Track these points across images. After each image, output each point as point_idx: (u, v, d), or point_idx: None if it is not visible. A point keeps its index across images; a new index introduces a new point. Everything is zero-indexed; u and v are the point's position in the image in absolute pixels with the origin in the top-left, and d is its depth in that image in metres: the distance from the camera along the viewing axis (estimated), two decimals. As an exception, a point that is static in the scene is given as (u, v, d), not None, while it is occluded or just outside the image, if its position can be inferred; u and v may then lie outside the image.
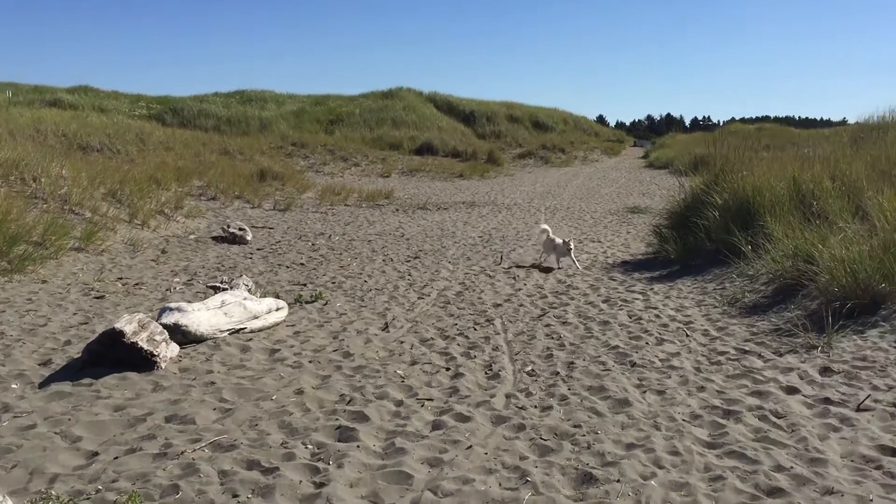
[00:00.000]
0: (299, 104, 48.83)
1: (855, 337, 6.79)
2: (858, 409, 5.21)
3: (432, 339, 7.49)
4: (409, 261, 12.42)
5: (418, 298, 9.46)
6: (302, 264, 12.01)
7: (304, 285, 10.17)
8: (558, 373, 6.32)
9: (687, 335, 7.46)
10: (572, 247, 11.82)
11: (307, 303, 8.95)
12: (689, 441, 4.79)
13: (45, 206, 13.01)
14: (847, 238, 8.45)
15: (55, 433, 4.77)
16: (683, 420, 5.18)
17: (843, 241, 8.31)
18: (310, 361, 6.57)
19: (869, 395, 5.40)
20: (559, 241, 11.92)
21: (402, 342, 7.34)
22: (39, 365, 6.22)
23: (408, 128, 43.20)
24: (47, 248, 10.93)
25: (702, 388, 5.84)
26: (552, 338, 7.51)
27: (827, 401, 5.43)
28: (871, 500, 3.91)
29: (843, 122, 49.11)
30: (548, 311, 8.68)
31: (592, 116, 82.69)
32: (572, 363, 6.59)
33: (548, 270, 11.53)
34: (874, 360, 6.19)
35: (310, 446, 4.69)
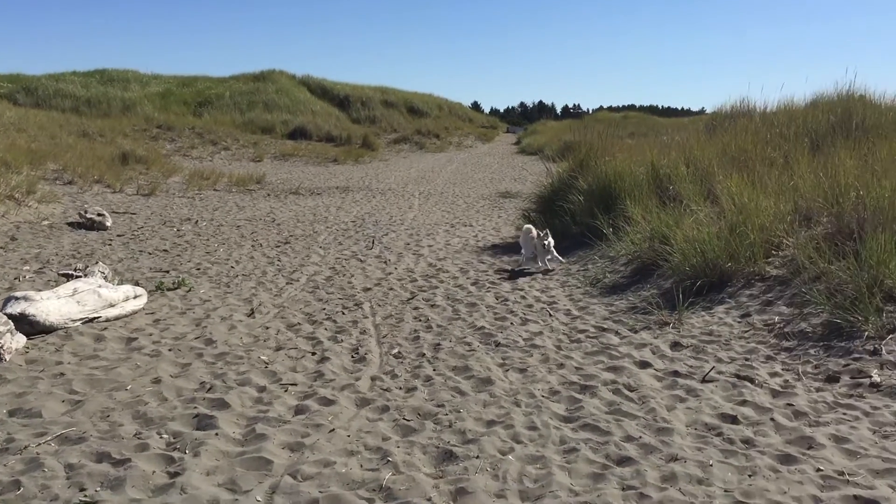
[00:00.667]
0: (165, 85, 46.87)
1: (703, 313, 7.19)
2: (704, 381, 5.52)
3: (299, 324, 7.40)
4: (278, 246, 12.20)
5: (287, 284, 9.31)
6: (165, 251, 11.58)
7: (167, 272, 9.81)
8: (424, 354, 6.38)
9: (550, 315, 7.69)
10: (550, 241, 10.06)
11: (169, 290, 8.64)
12: (546, 416, 4.94)
13: None
14: (698, 220, 8.91)
15: None
16: (542, 396, 5.34)
17: (694, 223, 8.76)
18: (169, 350, 6.36)
19: (713, 367, 5.73)
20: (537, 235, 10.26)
21: (267, 328, 7.21)
22: None
23: (280, 111, 42.28)
24: None
25: (561, 366, 6.04)
26: (420, 320, 7.57)
27: (676, 374, 5.72)
28: (711, 465, 4.15)
29: (702, 112, 51.79)
30: (417, 295, 8.73)
31: (467, 103, 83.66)
32: (438, 345, 6.67)
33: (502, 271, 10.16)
34: (720, 334, 6.58)
35: (165, 436, 4.54)
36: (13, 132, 24.96)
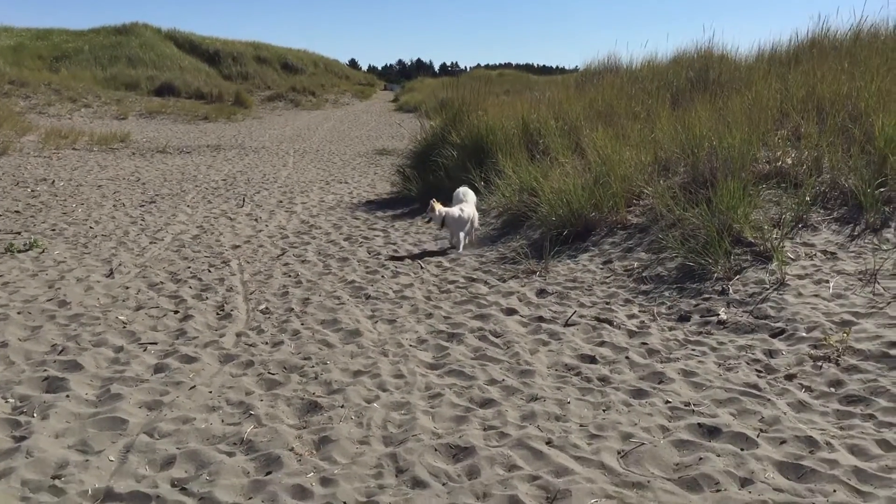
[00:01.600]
0: (17, 38, 43.71)
1: (569, 261, 7.40)
2: (566, 325, 5.69)
3: (162, 283, 7.14)
4: (143, 206, 11.69)
5: (150, 243, 8.95)
6: (17, 212, 10.89)
7: (19, 233, 9.24)
8: (292, 309, 6.29)
9: (421, 267, 7.72)
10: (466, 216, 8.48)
11: (20, 252, 8.14)
12: (413, 364, 4.98)
13: None
14: (565, 172, 9.11)
15: None
16: (410, 345, 5.37)
17: (561, 175, 8.95)
18: (18, 313, 6.00)
19: (575, 312, 5.92)
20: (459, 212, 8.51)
21: (127, 288, 6.91)
22: None
23: (146, 67, 40.29)
24: None
25: (430, 315, 6.09)
26: (290, 276, 7.45)
27: (540, 319, 5.87)
28: (569, 402, 4.29)
29: (576, 70, 52.87)
30: (287, 251, 8.58)
31: (344, 60, 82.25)
32: (307, 299, 6.59)
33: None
34: (583, 280, 6.79)
35: (11, 400, 4.30)
36: None
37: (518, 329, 5.69)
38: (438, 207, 8.33)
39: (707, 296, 5.92)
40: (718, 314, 5.53)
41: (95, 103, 32.29)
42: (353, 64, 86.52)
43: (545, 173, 9.31)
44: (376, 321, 5.98)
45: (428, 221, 8.47)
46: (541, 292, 6.59)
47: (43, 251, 8.25)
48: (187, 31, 50.31)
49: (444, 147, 12.27)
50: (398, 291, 6.84)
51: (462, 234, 8.47)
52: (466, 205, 8.59)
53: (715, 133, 8.34)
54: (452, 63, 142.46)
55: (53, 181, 14.06)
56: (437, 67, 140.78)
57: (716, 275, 6.17)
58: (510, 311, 6.11)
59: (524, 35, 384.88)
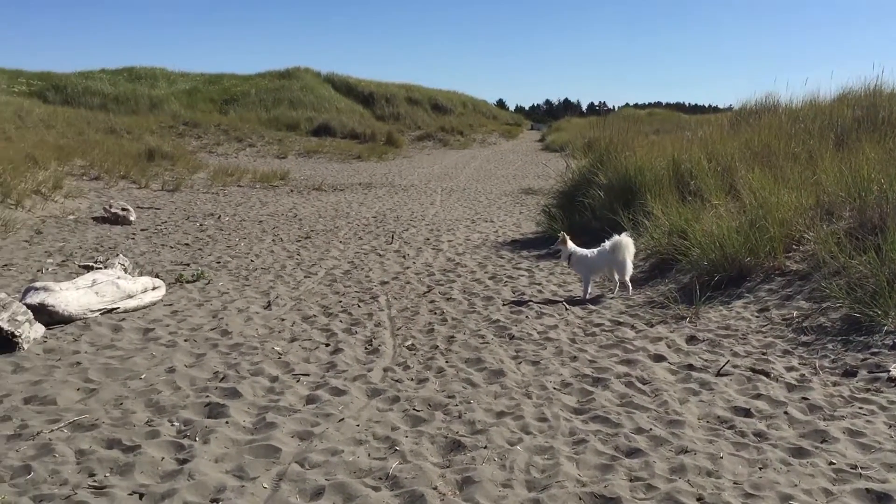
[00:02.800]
0: (192, 83, 47.29)
1: (721, 307, 7.12)
2: (718, 375, 5.46)
3: (315, 316, 7.43)
4: (299, 241, 12.25)
5: (305, 277, 9.35)
6: (187, 245, 11.68)
7: (188, 265, 9.90)
8: (438, 346, 6.38)
9: (566, 309, 7.65)
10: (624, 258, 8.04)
11: (188, 282, 8.71)
12: (557, 408, 4.91)
13: None
14: (718, 215, 8.82)
15: None
16: (554, 388, 5.31)
17: (714, 218, 8.67)
18: (185, 340, 6.41)
19: (728, 361, 5.67)
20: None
21: (283, 320, 7.24)
22: None
23: (305, 109, 42.49)
24: None
25: (575, 358, 6.00)
26: (435, 313, 7.57)
27: (690, 367, 5.67)
28: (721, 457, 4.10)
29: (729, 109, 51.26)
30: (433, 288, 8.73)
31: (492, 100, 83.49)
32: (452, 337, 6.66)
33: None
34: (736, 328, 6.51)
35: (176, 424, 4.58)
36: (42, 129, 25.33)
37: (666, 377, 5.52)
38: (570, 243, 8.23)
39: (876, 350, 5.52)
40: (889, 370, 5.14)
41: (259, 143, 34.31)
42: (500, 104, 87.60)
43: (696, 215, 9.05)
44: (520, 362, 5.96)
45: (556, 253, 8.37)
46: (691, 339, 6.37)
47: (209, 282, 8.79)
48: (344, 75, 52.77)
49: (590, 187, 12.17)
50: (542, 332, 6.80)
51: (587, 281, 8.19)
52: (609, 252, 8.03)
53: (885, 175, 7.83)
54: (600, 102, 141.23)
55: (219, 216, 15.00)
56: (584, 107, 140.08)
57: (886, 328, 5.75)
58: (658, 358, 5.93)
59: (674, 73, 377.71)
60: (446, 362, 5.95)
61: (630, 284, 8.21)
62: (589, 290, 8.14)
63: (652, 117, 39.71)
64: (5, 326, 5.81)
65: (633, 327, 6.86)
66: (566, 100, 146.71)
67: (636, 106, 77.68)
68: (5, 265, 9.43)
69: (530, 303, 7.94)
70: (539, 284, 8.90)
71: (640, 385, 5.33)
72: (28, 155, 17.62)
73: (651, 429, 4.53)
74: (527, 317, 7.36)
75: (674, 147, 12.43)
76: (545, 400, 5.07)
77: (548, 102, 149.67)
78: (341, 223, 14.40)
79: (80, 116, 30.39)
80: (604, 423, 4.65)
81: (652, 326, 6.83)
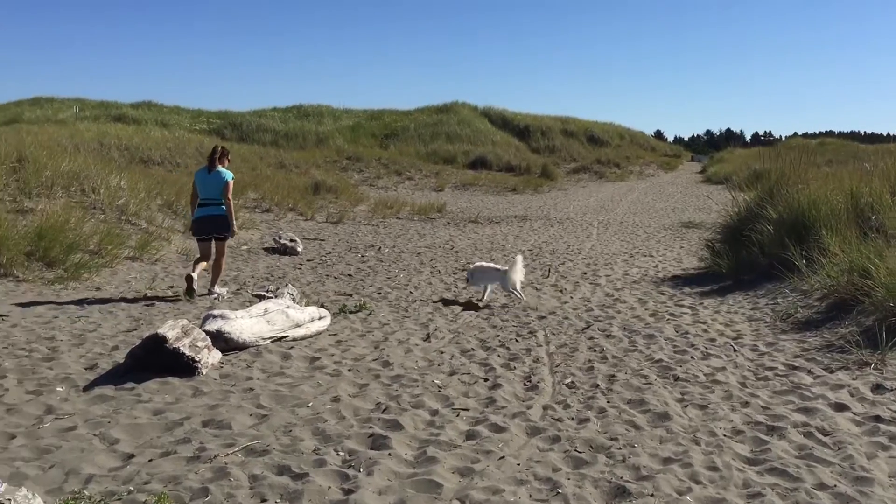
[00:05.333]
0: (355, 119, 49.41)
1: (911, 354, 6.53)
2: (911, 428, 4.99)
3: (473, 350, 7.45)
4: (456, 273, 12.40)
5: (462, 310, 9.42)
6: (350, 275, 12.09)
7: (350, 296, 10.22)
8: (598, 385, 6.22)
9: (734, 350, 7.27)
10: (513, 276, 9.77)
11: (351, 313, 8.99)
12: (728, 457, 4.65)
13: (102, 216, 13.36)
14: (906, 252, 8.14)
15: (94, 435, 4.86)
16: (724, 435, 5.03)
17: (901, 256, 8.01)
18: (349, 370, 6.59)
19: (923, 414, 5.18)
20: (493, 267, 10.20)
21: (442, 353, 7.31)
22: (86, 369, 6.36)
23: (462, 142, 43.33)
24: (103, 257, 11.22)
25: (746, 404, 5.68)
26: (595, 350, 7.40)
27: (877, 419, 5.22)
28: (919, 522, 3.73)
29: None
30: (592, 324, 8.55)
31: (649, 131, 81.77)
32: (613, 376, 6.48)
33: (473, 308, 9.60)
34: (931, 378, 5.94)
35: (341, 453, 4.68)
36: (219, 164, 27.12)
37: (850, 428, 5.10)
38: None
39: None
40: None
41: (417, 176, 35.27)
42: (658, 135, 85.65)
43: (880, 253, 8.40)
44: (686, 405, 5.70)
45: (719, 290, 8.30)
46: (877, 387, 5.88)
47: (370, 313, 9.03)
48: (500, 108, 53.47)
49: (758, 221, 11.59)
50: (709, 374, 6.49)
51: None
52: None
53: None
54: (765, 132, 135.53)
55: (380, 248, 15.46)
56: (748, 137, 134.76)
57: None
58: (840, 407, 5.50)
59: (848, 99, 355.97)
60: (608, 402, 5.78)
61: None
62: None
63: (824, 147, 37.55)
64: (187, 352, 6.19)
65: (810, 372, 6.42)
66: (728, 130, 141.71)
67: (805, 135, 73.89)
68: (188, 291, 10.10)
69: (695, 342, 7.61)
70: (704, 323, 8.53)
71: (820, 436, 4.96)
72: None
73: (835, 485, 4.18)
74: (692, 357, 7.06)
75: (851, 179, 11.64)
76: (715, 447, 4.81)
77: (708, 133, 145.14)
78: (497, 256, 14.45)
79: (254, 152, 32.39)
80: (781, 476, 4.34)
81: (832, 372, 6.36)
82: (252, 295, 9.59)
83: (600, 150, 50.08)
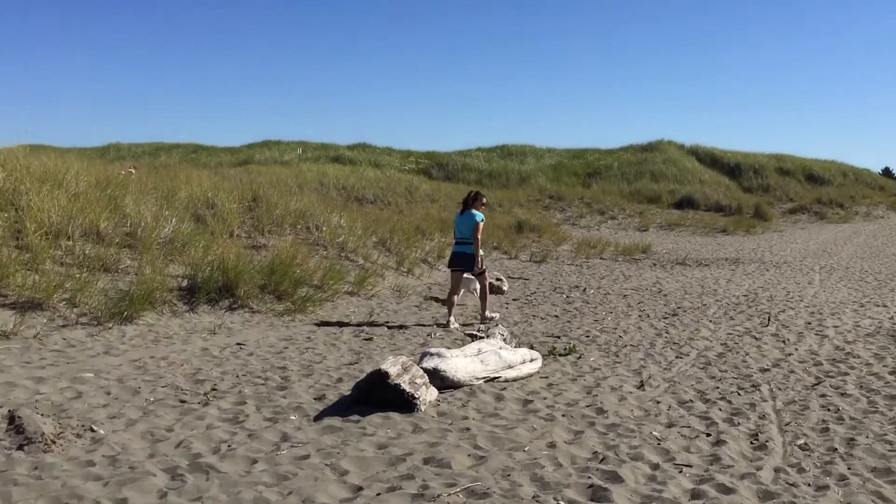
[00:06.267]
0: (558, 158, 49.55)
1: None
2: None
3: (691, 401, 7.13)
4: (666, 318, 11.98)
5: (676, 357, 9.07)
6: (556, 316, 12.03)
7: (558, 337, 10.16)
8: (836, 449, 5.73)
9: None
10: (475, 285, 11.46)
11: (561, 355, 8.92)
12: None
13: (324, 252, 14.25)
14: None
15: (325, 465, 5.11)
16: None
17: None
18: (562, 415, 6.51)
19: None
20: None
21: (658, 402, 7.05)
22: (315, 399, 6.74)
23: (667, 181, 42.16)
24: (325, 291, 11.93)
25: None
26: (828, 410, 6.84)
27: None
28: None
29: None
30: (823, 380, 7.92)
31: (877, 169, 75.41)
32: (853, 440, 5.94)
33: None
34: None
35: (562, 502, 4.61)
36: (428, 203, 28.26)
37: None
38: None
39: None
40: None
41: (620, 216, 34.72)
42: (887, 173, 78.65)
43: None
44: (944, 479, 5.10)
45: None
46: None
47: (580, 356, 8.91)
48: (709, 146, 51.48)
49: None
50: (969, 445, 5.78)
51: None
52: None
53: None
54: None
55: (584, 288, 15.29)
56: None
57: None
58: None
59: None
60: (848, 469, 5.30)
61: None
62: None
63: None
64: (406, 388, 6.39)
65: None
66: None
67: None
68: (401, 327, 10.50)
69: (948, 407, 6.83)
70: (956, 385, 7.64)
71: None
72: (417, 227, 19.71)
73: None
74: (945, 424, 6.34)
75: None
76: (984, 532, 4.26)
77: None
78: (709, 300, 13.83)
79: (459, 191, 33.30)
80: None
81: None
82: (464, 334, 9.78)
83: (820, 190, 46.79)
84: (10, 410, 5.79)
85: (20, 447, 5.16)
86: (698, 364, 8.74)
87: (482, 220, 10.83)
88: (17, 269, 9.39)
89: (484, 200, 11.12)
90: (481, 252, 10.87)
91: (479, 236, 10.74)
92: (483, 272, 11.03)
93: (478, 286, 11.32)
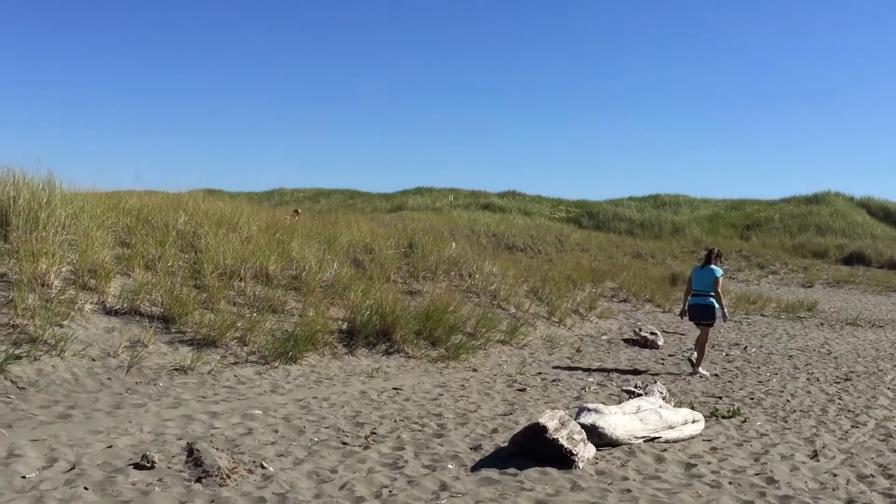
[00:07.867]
0: (713, 209, 48.03)
1: None
2: None
3: (872, 476, 6.59)
4: (838, 382, 11.21)
5: (852, 427, 8.44)
6: (716, 375, 11.53)
7: (720, 398, 9.71)
8: None
9: None
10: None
11: (724, 417, 8.51)
12: None
13: (477, 300, 14.37)
14: None
15: (485, 517, 5.09)
16: None
17: None
18: (729, 483, 6.19)
19: None
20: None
21: (835, 475, 6.56)
22: (471, 449, 6.75)
23: (834, 235, 39.78)
24: (477, 339, 12.01)
25: None
26: None
27: None
28: None
29: None
30: None
31: None
32: None
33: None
34: None
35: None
36: (578, 252, 28.02)
37: None
38: None
39: None
40: None
41: (782, 270, 33.02)
42: None
43: None
44: None
45: None
46: None
47: (745, 420, 8.47)
48: (881, 199, 48.35)
49: None
50: None
51: None
52: None
53: None
54: None
55: (745, 347, 14.58)
56: None
57: None
58: None
59: None
60: None
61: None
62: None
63: None
64: (565, 444, 6.29)
65: None
66: None
67: None
68: (554, 380, 10.38)
69: None
70: None
71: None
72: (567, 276, 19.55)
73: None
74: None
75: None
76: None
77: None
78: (885, 365, 12.84)
79: (610, 241, 32.91)
80: None
81: None
82: (621, 390, 9.55)
83: None
84: (188, 443, 6.15)
85: (198, 479, 5.46)
86: (878, 435, 8.09)
87: (721, 275, 11.82)
88: (195, 307, 10.07)
89: (722, 257, 12.33)
90: (724, 302, 12.03)
91: (720, 290, 11.73)
92: (710, 324, 11.84)
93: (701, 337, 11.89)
